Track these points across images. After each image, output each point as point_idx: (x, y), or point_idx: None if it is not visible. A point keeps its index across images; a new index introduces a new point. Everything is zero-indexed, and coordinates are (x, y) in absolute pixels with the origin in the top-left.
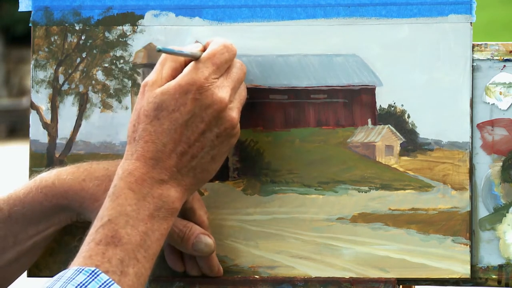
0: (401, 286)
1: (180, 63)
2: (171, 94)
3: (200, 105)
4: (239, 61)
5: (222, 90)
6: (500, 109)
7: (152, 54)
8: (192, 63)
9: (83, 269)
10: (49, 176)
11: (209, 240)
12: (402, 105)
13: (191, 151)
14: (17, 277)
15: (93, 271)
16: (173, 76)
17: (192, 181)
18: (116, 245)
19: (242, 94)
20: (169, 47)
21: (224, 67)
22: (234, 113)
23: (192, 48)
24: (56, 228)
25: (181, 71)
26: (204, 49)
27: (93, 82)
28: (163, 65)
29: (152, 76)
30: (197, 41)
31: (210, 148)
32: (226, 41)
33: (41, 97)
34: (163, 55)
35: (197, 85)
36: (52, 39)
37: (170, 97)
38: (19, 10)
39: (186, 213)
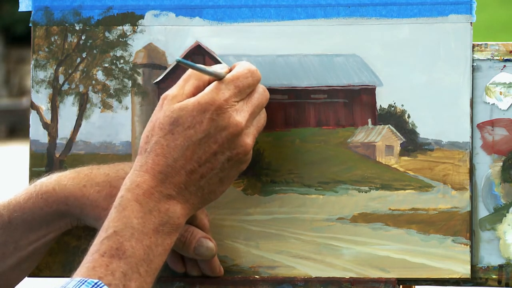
0: (401, 286)
1: (203, 82)
2: (189, 111)
3: (215, 125)
4: (263, 86)
5: (240, 114)
6: (500, 109)
7: (152, 54)
8: (215, 83)
9: (86, 281)
10: (49, 181)
11: (210, 244)
12: (402, 105)
13: (200, 170)
14: (18, 283)
15: (96, 283)
16: (195, 94)
17: (199, 201)
18: (120, 258)
19: (260, 121)
20: (193, 64)
21: (246, 91)
22: (248, 139)
23: (217, 68)
24: (57, 234)
25: (203, 90)
26: (229, 71)
27: (93, 82)
28: (187, 81)
29: (173, 90)
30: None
31: (219, 170)
32: (252, 66)
33: (41, 97)
34: (189, 71)
35: (215, 106)
36: (52, 39)
37: (187, 114)
38: (19, 10)
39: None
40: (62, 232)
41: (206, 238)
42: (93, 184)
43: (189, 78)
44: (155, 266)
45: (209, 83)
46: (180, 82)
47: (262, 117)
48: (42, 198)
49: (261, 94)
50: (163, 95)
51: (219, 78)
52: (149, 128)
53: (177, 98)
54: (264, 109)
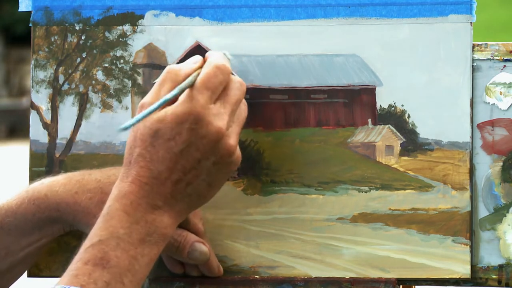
0: (401, 286)
1: (179, 84)
2: (167, 123)
3: (195, 134)
4: (239, 80)
5: (218, 118)
6: (500, 109)
7: (152, 54)
8: (187, 91)
9: None
10: (41, 187)
11: (204, 248)
12: (402, 105)
13: (186, 178)
14: (9, 286)
15: None
16: (172, 99)
17: (186, 206)
18: (104, 267)
19: (241, 115)
20: (153, 107)
21: (219, 89)
22: (231, 140)
23: (191, 63)
24: (49, 239)
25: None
26: (204, 62)
27: (93, 82)
28: (162, 86)
29: (149, 98)
30: (198, 42)
31: (206, 176)
32: (219, 61)
33: (41, 97)
34: (162, 75)
35: (193, 115)
36: (52, 39)
37: (166, 126)
38: (19, 10)
39: (181, 222)
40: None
41: (199, 242)
42: (84, 190)
43: (164, 82)
44: (140, 276)
45: None
46: (155, 87)
47: (242, 110)
48: (34, 204)
49: (237, 89)
50: (140, 102)
51: (190, 85)
52: (132, 138)
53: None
54: (244, 101)
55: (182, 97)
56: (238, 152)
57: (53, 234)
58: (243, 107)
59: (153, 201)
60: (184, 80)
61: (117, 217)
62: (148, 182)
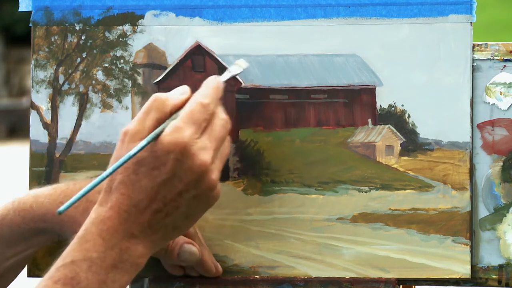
0: (401, 286)
1: (165, 113)
2: (153, 152)
3: (180, 166)
4: (225, 118)
5: (204, 152)
6: (500, 109)
7: (152, 54)
8: (173, 123)
9: None
10: (27, 198)
11: (193, 248)
12: (402, 105)
13: (165, 209)
14: None
15: None
16: (156, 128)
17: (161, 237)
18: (74, 287)
19: (224, 151)
20: (129, 155)
21: (203, 125)
22: (214, 175)
23: (177, 94)
24: (36, 249)
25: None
26: (186, 101)
27: (93, 82)
28: (147, 114)
29: (134, 124)
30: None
31: (185, 208)
32: (204, 100)
33: (41, 97)
34: (148, 103)
35: (180, 146)
36: (52, 39)
37: (152, 155)
38: (19, 10)
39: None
40: None
41: (188, 243)
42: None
43: (150, 110)
44: None
45: (171, 113)
46: (140, 115)
47: (225, 147)
48: (20, 215)
49: (223, 126)
50: (124, 129)
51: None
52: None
53: (139, 134)
54: (228, 138)
55: (169, 128)
56: (218, 188)
57: (40, 244)
58: (227, 144)
59: (130, 229)
60: (170, 110)
61: (92, 241)
62: (127, 210)
